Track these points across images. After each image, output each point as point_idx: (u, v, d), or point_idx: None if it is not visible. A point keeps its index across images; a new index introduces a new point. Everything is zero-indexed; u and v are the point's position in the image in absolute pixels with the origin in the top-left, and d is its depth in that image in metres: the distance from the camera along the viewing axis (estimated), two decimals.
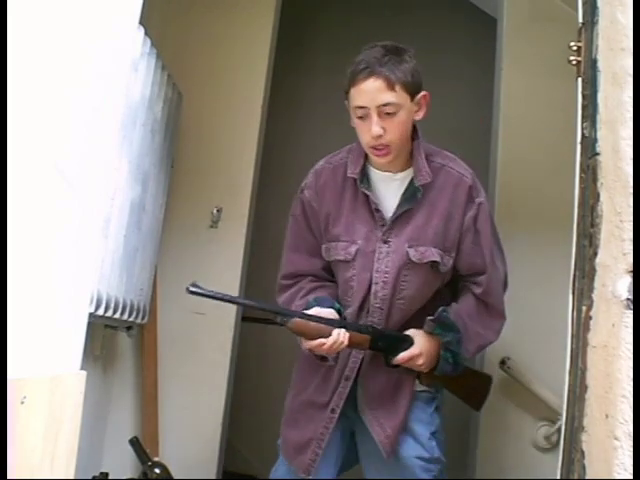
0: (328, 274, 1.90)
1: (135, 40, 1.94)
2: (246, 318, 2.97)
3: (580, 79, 1.18)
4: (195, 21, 2.83)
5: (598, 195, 1.03)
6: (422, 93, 1.75)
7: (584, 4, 1.19)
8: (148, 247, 2.36)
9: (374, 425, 1.83)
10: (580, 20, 1.21)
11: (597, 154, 1.06)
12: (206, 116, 2.76)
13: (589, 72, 1.12)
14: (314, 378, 1.88)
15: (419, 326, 1.81)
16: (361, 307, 1.82)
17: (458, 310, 1.84)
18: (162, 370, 2.61)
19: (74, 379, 1.20)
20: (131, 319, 2.25)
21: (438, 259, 1.79)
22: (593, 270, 1.03)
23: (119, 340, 2.59)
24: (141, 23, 1.76)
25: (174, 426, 2.59)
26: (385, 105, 1.67)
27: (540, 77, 2.59)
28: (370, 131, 1.69)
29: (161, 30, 2.51)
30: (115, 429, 2.57)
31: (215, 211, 2.71)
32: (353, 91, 1.70)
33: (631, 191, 0.97)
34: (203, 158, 2.75)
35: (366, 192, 1.79)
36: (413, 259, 1.78)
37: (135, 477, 2.39)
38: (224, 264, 2.71)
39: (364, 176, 1.81)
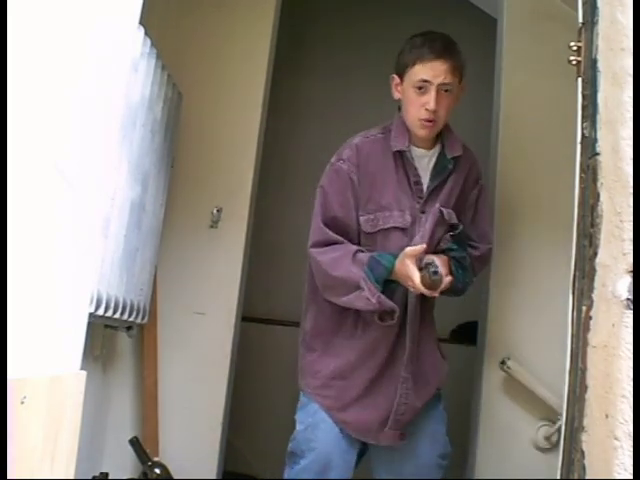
0: (351, 242, 1.96)
1: (135, 40, 1.94)
2: (246, 318, 2.97)
3: (580, 79, 1.18)
4: (195, 21, 2.83)
5: (598, 195, 1.03)
6: (463, 82, 1.98)
7: (584, 4, 1.19)
8: (148, 247, 2.36)
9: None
10: (580, 20, 1.21)
11: (597, 154, 1.06)
12: (206, 116, 2.76)
13: (589, 72, 1.12)
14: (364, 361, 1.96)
15: None
16: None
17: None
18: (162, 370, 2.60)
19: (74, 379, 1.20)
20: (131, 319, 2.25)
21: (457, 222, 1.97)
22: (593, 270, 1.02)
23: (119, 340, 2.59)
24: (141, 23, 1.76)
25: (174, 426, 2.59)
26: (445, 84, 1.89)
27: (540, 77, 2.58)
28: (427, 104, 1.88)
29: (161, 30, 2.51)
30: (115, 429, 2.57)
31: (215, 211, 2.71)
32: (419, 67, 1.89)
33: (631, 191, 0.97)
34: (203, 158, 2.75)
35: (414, 165, 1.95)
36: (445, 217, 1.94)
37: (135, 477, 2.39)
38: (224, 264, 2.71)
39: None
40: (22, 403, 0.96)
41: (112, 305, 2.03)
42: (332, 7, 4.01)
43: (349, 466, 1.95)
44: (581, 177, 1.14)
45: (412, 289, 1.84)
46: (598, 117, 1.08)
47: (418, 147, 1.97)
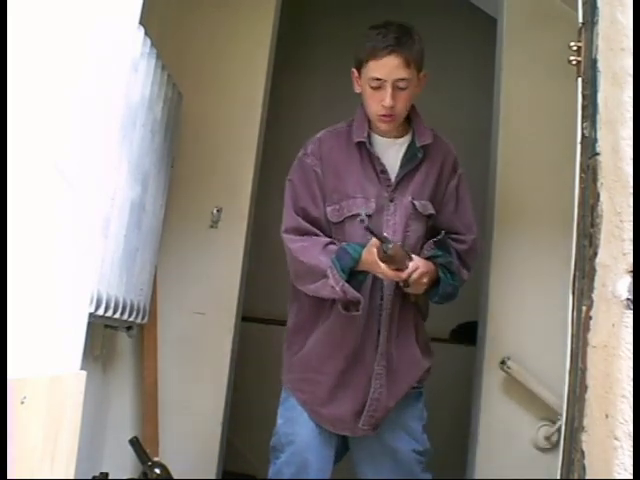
0: (323, 234, 1.97)
1: (135, 40, 1.94)
2: (246, 318, 2.97)
3: (580, 79, 1.18)
4: (195, 21, 2.83)
5: (598, 195, 1.03)
6: (423, 72, 1.95)
7: (584, 4, 1.19)
8: (148, 247, 2.36)
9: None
10: (580, 20, 1.21)
11: (597, 154, 1.06)
12: (206, 116, 2.76)
13: (589, 72, 1.12)
14: (334, 352, 1.96)
15: None
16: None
17: None
18: (162, 370, 2.60)
19: (74, 379, 1.20)
20: (131, 319, 2.25)
21: (434, 212, 1.98)
22: (593, 270, 1.02)
23: (119, 340, 2.59)
24: (141, 23, 1.76)
25: (174, 426, 2.59)
26: (400, 80, 1.87)
27: (540, 77, 2.59)
28: (383, 101, 1.88)
29: (161, 30, 2.51)
30: (115, 429, 2.57)
31: (215, 211, 2.71)
32: (372, 64, 1.88)
33: (631, 191, 0.97)
34: (203, 158, 2.75)
35: (375, 154, 1.95)
36: (418, 209, 1.95)
37: (135, 477, 2.39)
38: (224, 264, 2.71)
39: (370, 141, 1.97)
40: (22, 403, 0.96)
41: (112, 305, 2.03)
42: (333, 7, 4.01)
43: (328, 459, 1.98)
44: (581, 177, 1.14)
45: (381, 276, 1.85)
46: (598, 117, 1.08)
47: (384, 137, 1.98)
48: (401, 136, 1.99)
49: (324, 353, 1.96)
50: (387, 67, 1.86)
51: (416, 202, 1.94)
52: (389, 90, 1.87)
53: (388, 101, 1.87)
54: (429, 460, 2.02)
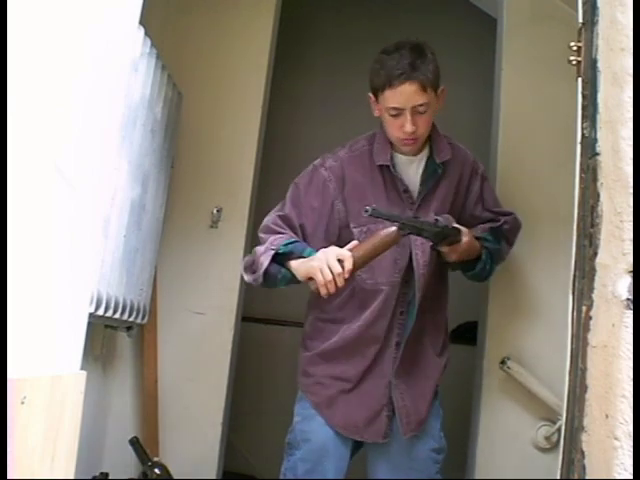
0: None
1: (135, 40, 1.94)
2: (246, 318, 2.97)
3: (580, 79, 1.18)
4: (195, 21, 2.83)
5: (598, 195, 1.03)
6: (441, 87, 1.92)
7: (584, 4, 1.19)
8: (148, 247, 2.36)
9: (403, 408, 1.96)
10: (580, 20, 1.21)
11: (597, 154, 1.06)
12: (206, 116, 2.76)
13: (589, 72, 1.12)
14: (349, 359, 1.98)
15: (438, 286, 2.04)
16: (405, 278, 1.96)
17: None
18: (162, 370, 2.61)
19: (74, 379, 1.20)
20: (131, 319, 2.25)
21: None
22: (593, 270, 1.02)
23: (119, 340, 2.59)
24: (141, 23, 1.76)
25: (174, 426, 2.59)
26: (419, 105, 1.85)
27: (540, 77, 2.58)
28: (404, 127, 1.86)
29: (161, 30, 2.51)
30: (115, 429, 2.57)
31: (215, 211, 2.71)
32: (389, 92, 1.84)
33: (631, 191, 0.97)
34: (203, 158, 2.75)
35: (399, 176, 1.95)
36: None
37: (135, 477, 2.39)
38: (224, 264, 2.71)
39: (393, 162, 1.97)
40: (22, 403, 0.96)
41: (112, 305, 2.03)
42: (332, 7, 4.01)
43: (344, 457, 1.98)
44: (581, 177, 1.14)
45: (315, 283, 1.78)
46: (598, 117, 1.07)
47: (404, 155, 1.98)
48: (419, 152, 1.98)
49: (341, 360, 1.98)
50: (404, 95, 1.83)
51: (439, 217, 1.94)
52: (409, 117, 1.85)
53: (409, 127, 1.85)
54: (450, 463, 2.05)
